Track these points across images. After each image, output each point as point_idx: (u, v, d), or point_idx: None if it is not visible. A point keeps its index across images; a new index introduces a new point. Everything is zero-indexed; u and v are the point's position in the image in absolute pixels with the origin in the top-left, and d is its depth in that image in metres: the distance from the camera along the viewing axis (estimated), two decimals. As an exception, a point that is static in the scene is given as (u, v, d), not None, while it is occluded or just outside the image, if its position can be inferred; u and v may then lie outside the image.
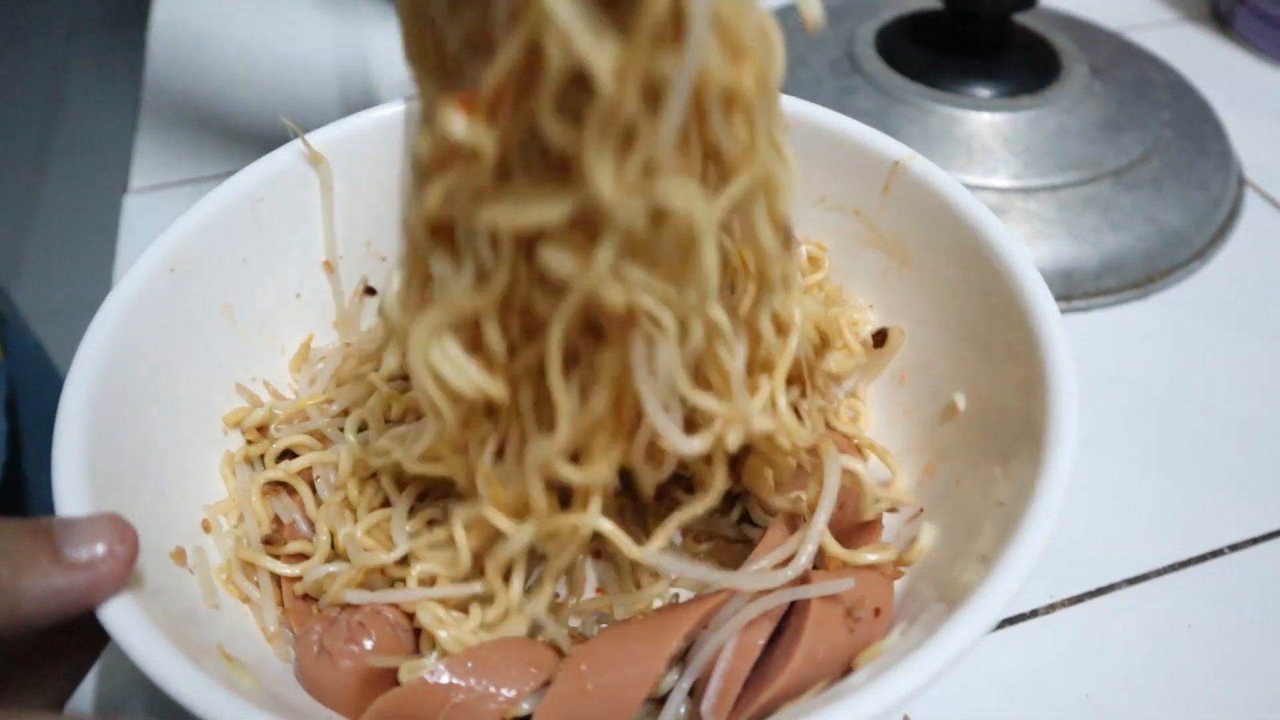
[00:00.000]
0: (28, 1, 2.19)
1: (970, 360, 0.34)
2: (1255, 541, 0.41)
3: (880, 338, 0.37)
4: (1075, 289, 0.50)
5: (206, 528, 0.32)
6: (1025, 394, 0.30)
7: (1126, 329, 0.50)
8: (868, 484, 0.31)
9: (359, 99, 0.36)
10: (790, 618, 0.29)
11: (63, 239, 1.63)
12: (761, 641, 0.28)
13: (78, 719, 0.22)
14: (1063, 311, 0.50)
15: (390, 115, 0.38)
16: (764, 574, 0.29)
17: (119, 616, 0.24)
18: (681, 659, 0.28)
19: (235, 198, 0.36)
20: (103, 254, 0.56)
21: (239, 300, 0.36)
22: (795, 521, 0.31)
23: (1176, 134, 0.56)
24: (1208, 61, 0.67)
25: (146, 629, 0.24)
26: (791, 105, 0.38)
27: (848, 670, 0.29)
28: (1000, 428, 0.31)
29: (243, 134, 0.61)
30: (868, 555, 0.31)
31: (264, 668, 0.29)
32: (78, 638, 0.26)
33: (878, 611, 0.29)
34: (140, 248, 0.34)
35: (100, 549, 0.24)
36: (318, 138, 0.37)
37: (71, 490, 0.27)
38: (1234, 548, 0.41)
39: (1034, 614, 0.39)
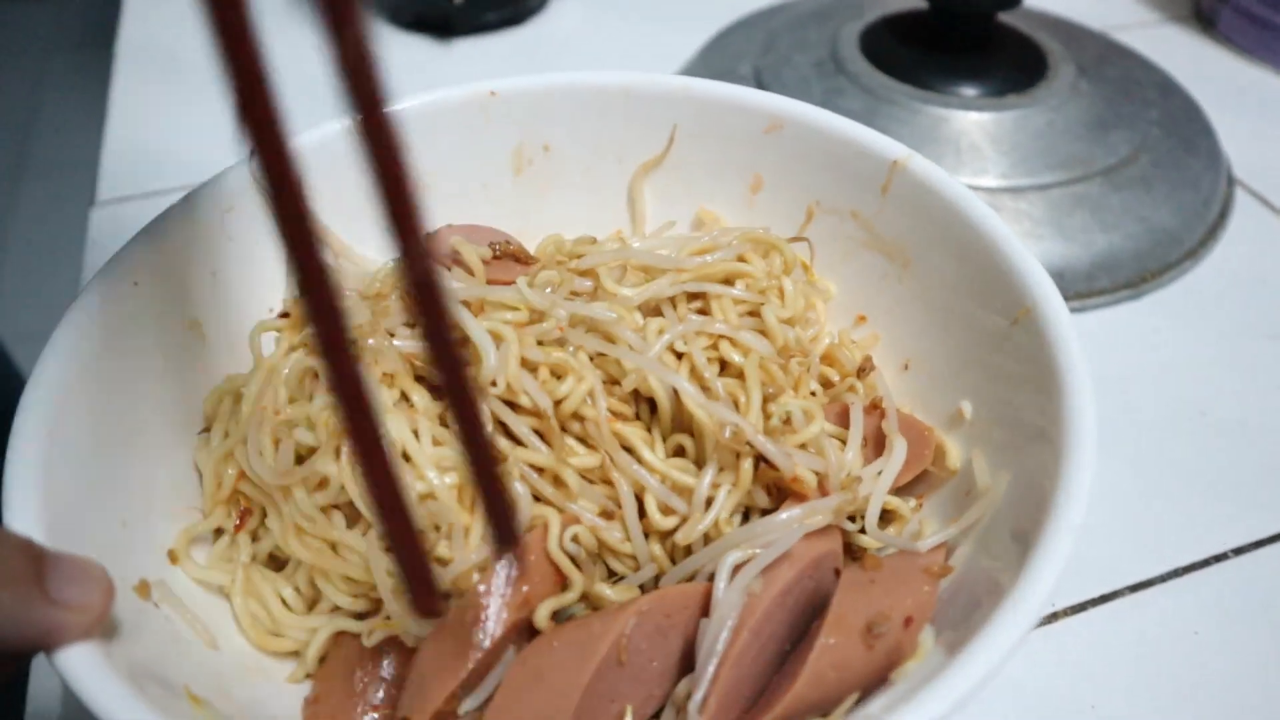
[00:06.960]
0: (4, 16, 2.15)
1: (976, 366, 0.33)
2: (1258, 545, 0.40)
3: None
4: (1068, 289, 0.49)
5: (173, 559, 0.30)
6: (1037, 400, 0.29)
7: (1121, 330, 0.49)
8: None
9: (331, 111, 0.35)
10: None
11: (36, 256, 1.60)
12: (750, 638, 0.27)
13: None
14: (1057, 313, 0.49)
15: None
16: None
17: (78, 665, 0.22)
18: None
19: (203, 208, 0.34)
20: (73, 269, 0.54)
21: (208, 315, 0.34)
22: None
23: (1164, 133, 0.55)
24: (1192, 61, 0.66)
25: (108, 678, 0.22)
26: (784, 104, 0.37)
27: (883, 682, 0.27)
28: (1012, 436, 0.30)
29: (209, 146, 0.59)
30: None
31: (230, 699, 0.28)
32: None
33: (909, 621, 0.27)
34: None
35: (81, 594, 0.23)
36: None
37: (24, 514, 0.25)
38: (1237, 551, 0.40)
39: (1036, 624, 0.38)
